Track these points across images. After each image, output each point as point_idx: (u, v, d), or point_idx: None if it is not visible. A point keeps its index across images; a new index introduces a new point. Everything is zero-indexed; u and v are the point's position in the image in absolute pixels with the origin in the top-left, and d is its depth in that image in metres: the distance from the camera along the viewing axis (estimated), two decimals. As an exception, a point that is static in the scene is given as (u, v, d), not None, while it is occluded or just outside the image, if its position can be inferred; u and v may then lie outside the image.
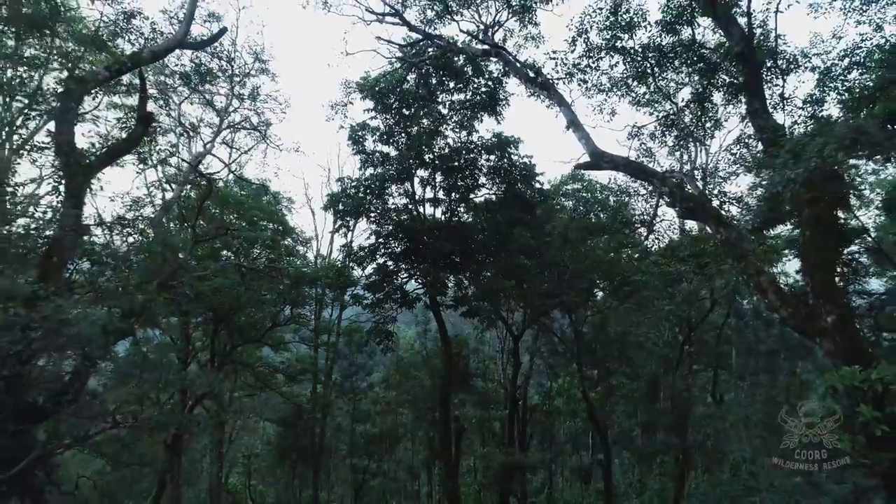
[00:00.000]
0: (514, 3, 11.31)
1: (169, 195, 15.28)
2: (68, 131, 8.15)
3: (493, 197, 17.35)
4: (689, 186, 10.08)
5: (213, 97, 13.49)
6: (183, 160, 12.29)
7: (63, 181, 9.85)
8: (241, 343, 18.50)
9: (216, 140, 13.07)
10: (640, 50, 10.40)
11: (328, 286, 20.33)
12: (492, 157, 16.65)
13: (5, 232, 8.71)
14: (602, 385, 21.52)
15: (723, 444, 15.25)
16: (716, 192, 12.01)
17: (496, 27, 11.83)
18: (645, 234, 14.78)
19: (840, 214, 11.19)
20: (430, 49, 12.82)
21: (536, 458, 23.48)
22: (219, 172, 13.50)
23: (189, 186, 13.63)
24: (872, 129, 7.40)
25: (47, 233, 9.41)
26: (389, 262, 17.59)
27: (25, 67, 9.20)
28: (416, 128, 16.26)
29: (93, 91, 8.67)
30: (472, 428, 25.17)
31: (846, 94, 11.61)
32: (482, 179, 17.14)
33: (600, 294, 20.95)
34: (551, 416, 25.25)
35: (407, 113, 16.10)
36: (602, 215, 17.64)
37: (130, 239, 10.79)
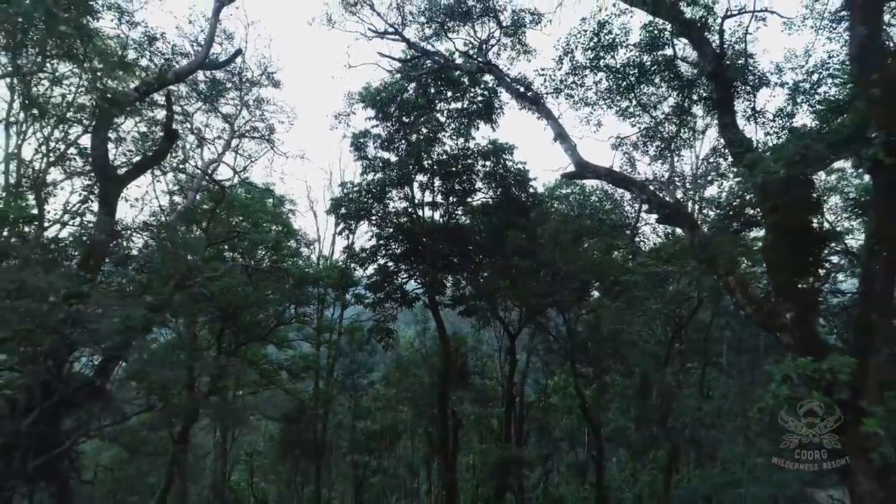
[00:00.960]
0: (504, 24, 12.46)
1: (177, 198, 16.48)
2: (102, 147, 9.30)
3: (489, 200, 18.52)
4: (665, 194, 11.22)
5: (223, 106, 14.63)
6: (197, 168, 13.43)
7: (91, 190, 11.05)
8: (246, 341, 19.65)
9: (227, 146, 14.20)
10: (621, 67, 11.55)
11: (330, 286, 21.48)
12: (487, 163, 17.83)
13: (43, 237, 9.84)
14: (596, 382, 22.66)
15: (697, 431, 16.42)
16: (696, 197, 13.14)
17: (490, 44, 12.97)
18: (629, 237, 15.89)
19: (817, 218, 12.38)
20: (428, 62, 13.95)
21: (533, 454, 24.61)
22: (230, 180, 14.60)
23: (199, 191, 14.75)
24: (817, 146, 8.54)
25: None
26: (390, 263, 18.79)
27: (54, 85, 10.36)
28: (415, 135, 17.42)
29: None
30: (470, 425, 26.33)
31: (817, 107, 12.77)
32: (478, 184, 18.33)
33: (596, 294, 22.09)
34: (548, 413, 26.41)
35: (406, 121, 17.25)
36: (598, 217, 18.75)
37: (152, 243, 11.92)
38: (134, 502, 21.03)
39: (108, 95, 8.98)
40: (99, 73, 9.35)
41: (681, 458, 21.75)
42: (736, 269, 11.51)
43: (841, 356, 9.10)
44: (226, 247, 18.47)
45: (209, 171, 13.30)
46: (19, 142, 11.47)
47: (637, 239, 16.26)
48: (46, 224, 10.90)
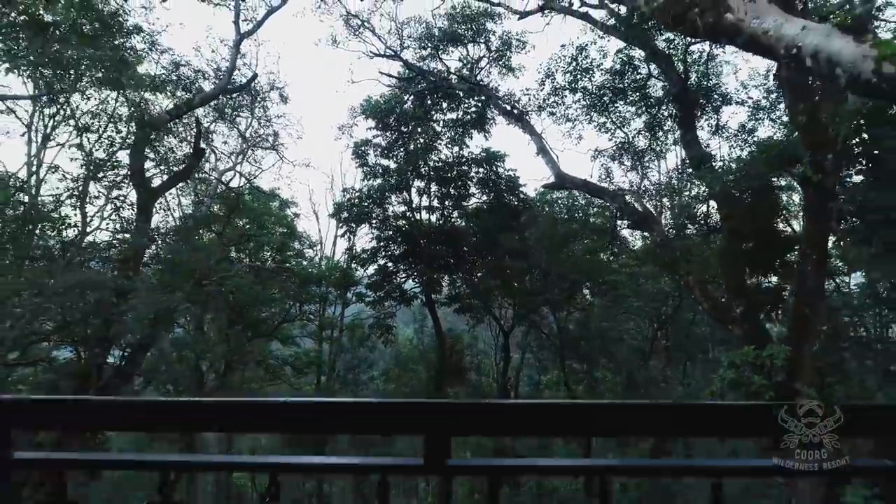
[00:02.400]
0: (492, 49, 14.23)
1: (186, 201, 18.25)
2: (140, 163, 11.05)
3: (483, 205, 20.27)
4: (636, 202, 12.93)
5: (236, 118, 16.41)
6: (213, 177, 15.21)
7: (123, 199, 12.82)
8: (253, 337, 21.38)
9: (240, 157, 16.01)
10: (597, 89, 13.29)
11: (333, 285, 23.23)
12: (481, 170, 19.58)
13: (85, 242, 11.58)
14: (587, 378, 24.34)
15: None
16: (668, 204, 14.88)
17: (481, 65, 14.73)
18: (608, 239, 17.59)
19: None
20: (423, 83, 15.71)
21: (526, 447, 26.29)
22: (242, 187, 16.35)
23: (214, 198, 16.53)
24: (755, 165, 10.29)
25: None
26: (389, 264, 20.55)
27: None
28: (413, 143, 19.17)
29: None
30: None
31: (780, 121, 14.51)
32: (472, 189, 20.12)
33: (588, 293, 23.79)
34: None
35: (405, 130, 19.01)
36: (583, 220, 20.45)
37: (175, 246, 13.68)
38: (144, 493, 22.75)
39: (145, 118, 10.73)
40: (137, 99, 11.12)
41: (669, 450, 23.43)
42: (707, 271, 13.25)
43: (778, 346, 10.90)
44: (232, 248, 20.21)
45: (225, 182, 15.07)
46: (40, 149, 13.33)
47: (616, 242, 17.97)
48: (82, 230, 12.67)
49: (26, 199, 13.16)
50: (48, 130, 13.23)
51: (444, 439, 1.44)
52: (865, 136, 10.54)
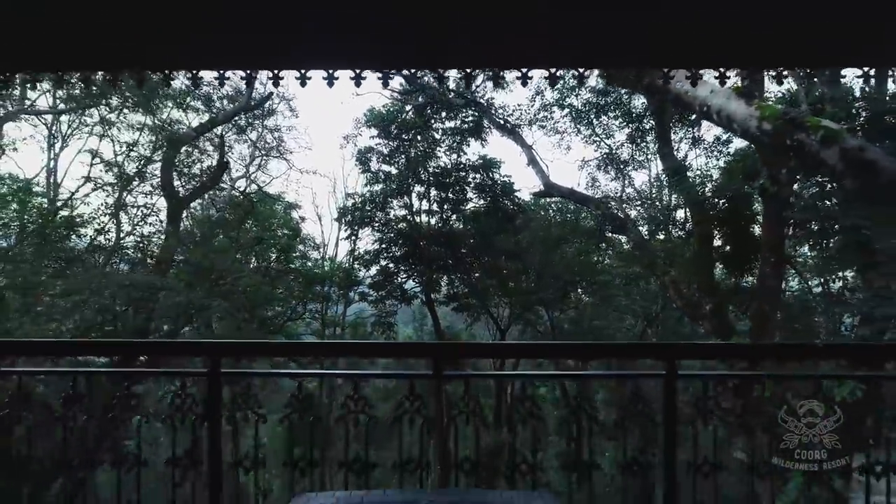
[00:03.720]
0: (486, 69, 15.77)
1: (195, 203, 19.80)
2: (169, 174, 12.59)
3: (480, 209, 21.78)
4: (618, 209, 14.50)
5: (249, 129, 17.98)
6: (228, 185, 16.79)
7: (152, 208, 14.38)
8: (268, 331, 22.87)
9: (253, 167, 17.60)
10: (582, 106, 14.85)
11: (336, 285, 24.77)
12: (478, 176, 21.10)
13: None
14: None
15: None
16: (650, 210, 16.44)
17: (477, 81, 16.27)
18: (595, 241, 19.12)
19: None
20: (421, 97, 17.26)
21: (521, 440, 27.87)
22: (254, 193, 17.92)
23: (228, 203, 18.11)
24: (723, 177, 11.85)
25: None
26: (390, 265, 22.06)
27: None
28: (413, 151, 20.70)
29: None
30: (463, 410, 29.56)
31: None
32: (470, 194, 21.60)
33: (581, 292, 25.31)
34: (536, 404, 29.68)
35: (406, 138, 20.55)
36: (573, 223, 21.96)
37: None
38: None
39: (174, 136, 12.28)
40: (164, 116, 12.67)
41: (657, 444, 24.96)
42: (685, 271, 14.79)
43: (741, 339, 12.49)
44: (240, 250, 21.73)
45: (239, 189, 16.63)
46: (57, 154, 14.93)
47: (604, 244, 19.52)
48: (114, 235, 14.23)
49: (45, 202, 14.74)
50: (65, 141, 14.88)
51: (441, 360, 2.92)
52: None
